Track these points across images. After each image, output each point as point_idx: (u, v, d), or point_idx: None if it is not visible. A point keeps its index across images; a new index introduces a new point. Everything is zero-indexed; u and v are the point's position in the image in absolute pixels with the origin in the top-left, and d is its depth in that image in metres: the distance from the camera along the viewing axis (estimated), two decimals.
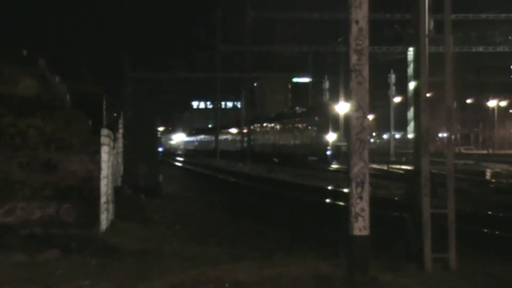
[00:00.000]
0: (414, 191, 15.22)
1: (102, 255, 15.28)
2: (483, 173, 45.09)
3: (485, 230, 20.36)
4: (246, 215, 27.14)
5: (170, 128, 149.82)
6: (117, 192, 23.62)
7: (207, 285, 11.94)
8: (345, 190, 20.91)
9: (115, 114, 28.68)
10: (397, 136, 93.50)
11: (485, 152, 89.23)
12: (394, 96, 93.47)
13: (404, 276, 13.38)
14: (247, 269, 13.18)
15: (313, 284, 12.09)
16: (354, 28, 14.78)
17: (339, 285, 12.13)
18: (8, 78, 17.41)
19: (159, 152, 64.67)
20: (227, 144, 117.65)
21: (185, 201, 33.26)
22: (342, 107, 64.46)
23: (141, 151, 36.75)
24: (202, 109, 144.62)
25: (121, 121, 30.68)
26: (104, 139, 18.88)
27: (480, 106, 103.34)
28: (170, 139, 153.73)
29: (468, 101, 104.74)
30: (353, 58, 14.81)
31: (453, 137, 17.23)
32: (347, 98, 15.31)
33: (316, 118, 73.52)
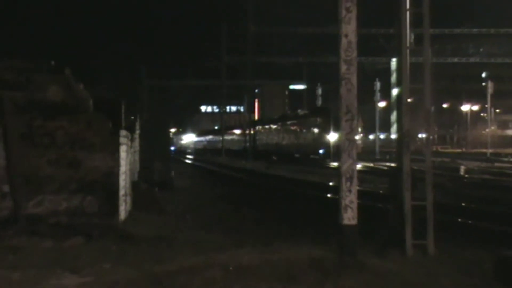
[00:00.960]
0: (396, 185, 15.21)
1: (121, 242, 15.28)
2: (458, 169, 45.07)
3: (460, 220, 20.33)
4: (248, 206, 27.09)
5: (181, 129, 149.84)
6: (134, 186, 23.62)
7: (214, 268, 11.91)
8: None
9: (132, 117, 28.70)
10: (382, 136, 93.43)
11: (459, 150, 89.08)
12: (379, 101, 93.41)
13: (388, 261, 13.36)
14: (249, 254, 13.15)
15: (308, 267, 12.06)
16: (344, 41, 14.75)
17: (331, 268, 12.09)
18: (38, 85, 17.39)
19: (171, 150, 64.60)
20: (231, 143, 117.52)
21: (194, 194, 33.21)
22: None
23: (156, 150, 36.71)
24: (209, 112, 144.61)
25: (138, 123, 30.66)
26: (122, 139, 18.89)
27: (454, 110, 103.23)
28: (181, 139, 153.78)
29: (444, 105, 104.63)
30: (343, 67, 14.77)
31: (431, 137, 17.25)
32: (338, 103, 15.19)
33: (318, 120, 73.48)
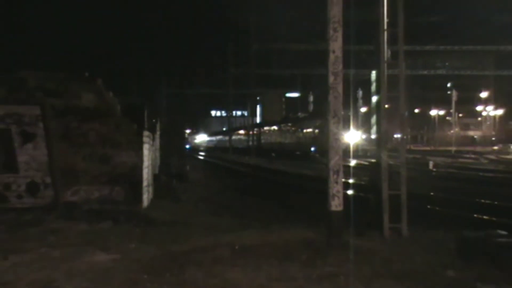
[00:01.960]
0: (376, 177, 15.19)
1: (144, 225, 15.29)
2: (427, 164, 45.02)
3: (428, 207, 20.33)
4: (251, 195, 27.11)
5: (194, 130, 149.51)
6: (155, 178, 23.63)
7: (222, 248, 11.90)
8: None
9: (154, 120, 28.71)
10: (363, 136, 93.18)
11: (428, 148, 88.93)
12: (361, 107, 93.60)
13: (368, 241, 13.34)
14: (252, 236, 13.15)
15: (301, 246, 12.04)
16: (332, 56, 14.72)
17: (320, 247, 12.08)
18: (74, 93, 17.41)
19: (187, 148, 64.53)
20: (237, 142, 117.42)
21: (205, 185, 33.23)
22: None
23: (173, 148, 36.77)
24: (218, 116, 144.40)
25: (158, 125, 30.67)
26: (145, 139, 18.92)
27: (424, 114, 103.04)
28: (195, 139, 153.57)
29: (416, 110, 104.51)
30: (331, 78, 14.74)
31: (404, 137, 17.19)
32: (327, 109, 15.18)
33: (317, 121, 73.11)
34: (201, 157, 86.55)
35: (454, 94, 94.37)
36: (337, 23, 15.06)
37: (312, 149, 70.27)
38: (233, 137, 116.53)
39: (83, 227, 14.68)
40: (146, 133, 19.35)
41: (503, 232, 12.70)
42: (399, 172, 15.37)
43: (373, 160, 17.92)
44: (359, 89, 73.93)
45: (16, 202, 16.91)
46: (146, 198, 18.89)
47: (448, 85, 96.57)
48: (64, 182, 17.07)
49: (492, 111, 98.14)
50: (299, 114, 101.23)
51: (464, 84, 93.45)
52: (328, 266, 10.69)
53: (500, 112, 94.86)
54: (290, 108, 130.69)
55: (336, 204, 14.40)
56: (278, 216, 17.70)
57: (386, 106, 15.63)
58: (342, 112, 15.04)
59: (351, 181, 27.90)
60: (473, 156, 68.45)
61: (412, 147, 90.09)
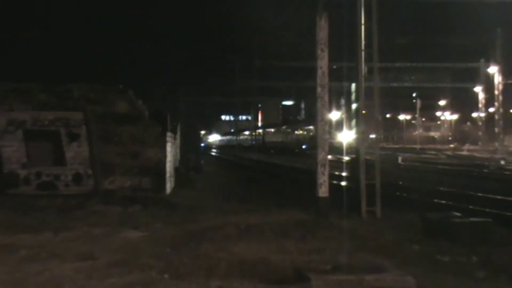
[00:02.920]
0: (355, 170, 15.21)
1: (167, 209, 15.27)
2: (397, 159, 45.00)
3: (398, 193, 20.32)
4: (253, 184, 27.07)
5: (208, 131, 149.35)
6: (176, 170, 23.62)
7: (230, 227, 11.89)
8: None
9: (175, 123, 28.70)
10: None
11: (397, 146, 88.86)
12: (344, 112, 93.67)
13: (349, 221, 13.34)
14: (254, 217, 13.14)
15: (294, 226, 12.04)
16: (319, 72, 14.74)
17: (310, 226, 12.07)
18: (111, 102, 17.43)
19: (202, 146, 64.46)
20: (243, 141, 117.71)
21: (217, 176, 33.19)
22: (334, 116, 63.51)
23: (190, 146, 36.78)
24: (227, 120, 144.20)
25: (178, 127, 30.67)
26: (168, 138, 18.93)
27: (394, 118, 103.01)
28: (208, 138, 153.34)
29: (388, 115, 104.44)
30: (319, 89, 14.76)
31: (378, 137, 17.21)
32: (315, 114, 15.23)
33: (308, 125, 72.94)
34: (214, 153, 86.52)
35: (418, 102, 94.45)
36: (324, 45, 15.06)
37: (304, 146, 70.24)
38: (240, 137, 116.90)
39: (118, 210, 14.69)
40: (168, 133, 19.35)
41: (458, 214, 12.73)
42: (374, 166, 15.42)
43: (353, 156, 17.91)
44: (341, 97, 74.00)
45: (64, 190, 16.94)
46: (168, 186, 18.89)
47: (414, 95, 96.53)
48: (102, 174, 17.09)
49: (448, 116, 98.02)
50: (298, 117, 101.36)
51: (426, 94, 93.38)
52: (317, 241, 10.68)
53: (455, 116, 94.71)
54: (285, 113, 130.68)
55: (323, 191, 14.46)
56: (275, 201, 17.65)
57: (364, 112, 15.64)
58: (329, 117, 15.09)
59: (336, 173, 27.92)
60: (433, 152, 68.44)
61: (385, 145, 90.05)
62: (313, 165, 15.90)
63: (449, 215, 12.53)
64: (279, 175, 33.34)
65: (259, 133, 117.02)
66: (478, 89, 62.15)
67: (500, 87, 56.17)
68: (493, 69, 56.60)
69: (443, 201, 18.18)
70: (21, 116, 17.13)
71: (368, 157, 15.82)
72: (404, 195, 20.05)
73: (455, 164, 43.58)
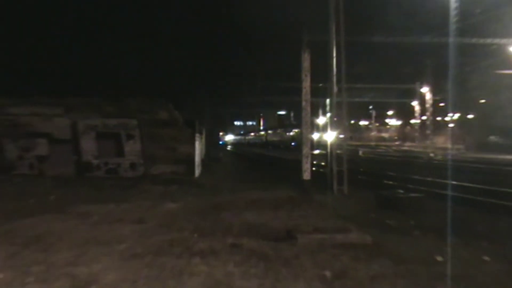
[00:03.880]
0: (329, 160, 15.18)
1: (196, 187, 15.29)
2: (358, 152, 44.99)
3: (359, 177, 20.28)
4: (257, 170, 27.06)
5: (225, 133, 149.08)
6: (202, 161, 23.63)
7: (240, 201, 11.88)
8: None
9: (201, 127, 28.75)
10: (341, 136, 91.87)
11: (358, 143, 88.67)
12: (322, 119, 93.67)
13: (325, 196, 13.34)
14: (257, 194, 13.13)
15: (286, 200, 12.02)
16: (304, 90, 14.73)
17: (297, 200, 12.06)
18: (156, 112, 17.44)
19: (220, 143, 64.45)
20: (251, 140, 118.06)
21: (231, 165, 33.19)
22: (321, 121, 63.08)
23: (212, 143, 36.82)
24: (238, 124, 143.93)
25: (204, 129, 30.71)
26: (196, 138, 18.93)
27: (356, 124, 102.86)
28: (225, 138, 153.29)
29: (352, 121, 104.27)
30: (303, 103, 14.76)
31: (346, 136, 17.14)
32: (302, 121, 15.24)
33: (296, 128, 72.65)
34: (229, 149, 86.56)
35: (373, 112, 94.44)
36: (307, 71, 15.07)
37: (293, 143, 70.09)
38: (247, 137, 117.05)
39: (161, 188, 14.71)
40: (196, 134, 19.36)
41: (401, 191, 12.70)
42: (342, 157, 15.38)
43: (328, 150, 17.83)
44: (319, 109, 74.00)
45: (123, 174, 16.97)
46: (197, 172, 18.90)
47: (370, 107, 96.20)
48: (149, 163, 17.10)
49: (394, 122, 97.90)
50: (293, 122, 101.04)
51: (379, 107, 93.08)
52: (301, 211, 10.67)
53: (399, 122, 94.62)
54: (280, 120, 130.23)
55: (306, 175, 14.47)
56: (272, 182, 17.66)
57: (335, 119, 15.60)
58: (310, 122, 15.07)
59: (321, 163, 27.88)
60: (384, 147, 68.46)
61: (350, 143, 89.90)
62: (299, 157, 15.91)
63: (395, 192, 12.51)
64: (275, 163, 33.35)
65: (261, 134, 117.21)
66: (415, 103, 62.12)
67: (430, 102, 56.74)
68: (425, 89, 56.94)
69: (391, 182, 18.15)
70: (94, 122, 17.17)
71: (338, 151, 15.80)
72: (364, 178, 20.01)
73: (399, 156, 43.63)
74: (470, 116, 61.08)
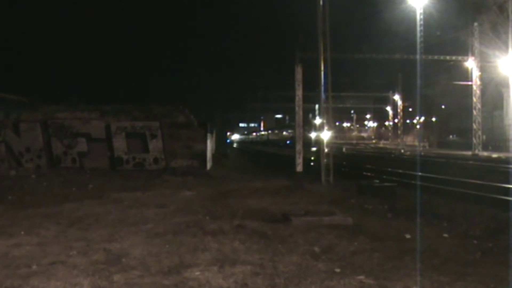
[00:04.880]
0: (318, 155, 15.15)
1: (207, 178, 15.26)
2: (342, 149, 44.88)
3: (342, 169, 20.22)
4: (258, 163, 27.07)
5: (232, 133, 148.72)
6: (213, 156, 23.56)
7: (245, 189, 11.88)
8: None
9: (212, 128, 28.69)
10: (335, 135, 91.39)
11: (342, 141, 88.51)
12: (319, 120, 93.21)
13: (314, 186, 13.31)
14: (259, 183, 13.11)
15: (282, 188, 12.00)
16: (297, 98, 14.71)
17: (291, 188, 12.04)
18: (175, 115, 17.36)
19: (228, 141, 64.31)
20: (254, 138, 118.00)
21: (237, 159, 33.21)
22: (317, 121, 62.96)
23: (221, 141, 36.74)
24: (243, 126, 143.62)
25: (214, 130, 30.63)
26: (208, 137, 18.85)
27: (340, 125, 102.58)
28: (232, 137, 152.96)
29: (337, 123, 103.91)
30: (296, 108, 14.75)
31: (332, 136, 17.09)
32: (295, 123, 15.25)
33: (291, 129, 72.28)
34: (235, 146, 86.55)
35: (354, 116, 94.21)
36: (299, 82, 15.04)
37: (288, 141, 69.92)
38: (250, 136, 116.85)
39: (179, 179, 14.70)
40: (208, 134, 19.29)
41: (377, 181, 12.70)
42: (329, 153, 15.35)
43: (322, 148, 17.73)
44: (310, 113, 73.75)
45: (148, 167, 16.92)
46: (209, 165, 18.84)
47: (352, 111, 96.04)
48: (170, 158, 17.06)
49: (372, 124, 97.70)
50: (292, 123, 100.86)
51: (359, 111, 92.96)
52: (295, 197, 10.67)
53: (375, 124, 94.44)
54: (277, 122, 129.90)
55: (299, 168, 14.43)
56: (272, 174, 17.65)
57: (324, 121, 15.55)
58: (302, 123, 15.02)
59: (307, 157, 27.81)
60: (363, 145, 68.30)
61: (335, 141, 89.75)
62: (293, 153, 15.88)
63: (372, 182, 12.50)
64: (273, 158, 33.39)
65: (262, 133, 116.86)
66: (388, 108, 62.11)
67: (401, 107, 56.73)
68: (397, 97, 56.99)
69: (369, 173, 18.13)
70: (124, 124, 17.13)
71: (326, 149, 15.77)
72: (347, 170, 19.99)
73: (375, 152, 43.52)
74: (433, 119, 60.92)
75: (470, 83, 32.99)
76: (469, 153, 32.06)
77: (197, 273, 4.76)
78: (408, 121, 62.59)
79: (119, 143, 17.05)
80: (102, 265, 5.05)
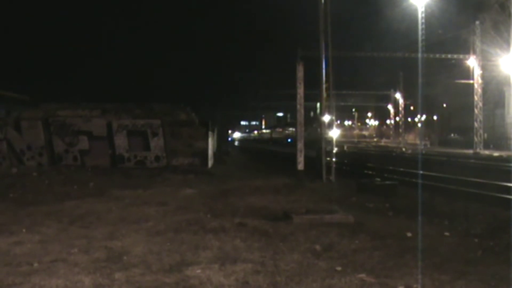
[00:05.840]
0: (319, 154, 15.14)
1: (208, 176, 15.25)
2: (344, 147, 44.82)
3: (344, 168, 20.20)
4: (259, 161, 27.04)
5: (233, 131, 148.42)
6: (214, 154, 23.54)
7: (246, 187, 11.88)
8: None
9: (213, 126, 28.63)
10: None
11: (344, 140, 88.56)
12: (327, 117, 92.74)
13: (315, 184, 13.31)
14: (260, 181, 13.11)
15: (283, 186, 12.02)
16: (298, 96, 14.69)
17: (293, 187, 12.06)
18: (176, 114, 17.39)
19: (229, 140, 64.22)
20: (255, 136, 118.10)
21: (238, 157, 33.18)
22: (326, 118, 62.44)
23: (222, 139, 36.64)
24: (244, 124, 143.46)
25: (216, 128, 30.60)
26: (209, 135, 18.83)
27: (342, 123, 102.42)
28: (233, 135, 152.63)
29: (338, 122, 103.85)
30: (298, 106, 14.73)
31: (333, 133, 17.07)
32: (296, 121, 15.27)
33: (291, 127, 72.27)
34: (236, 144, 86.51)
35: (356, 114, 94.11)
36: (301, 80, 15.03)
37: (289, 140, 69.81)
38: (251, 134, 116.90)
39: (180, 177, 14.69)
40: (209, 132, 19.28)
41: (378, 179, 12.69)
42: (331, 151, 15.34)
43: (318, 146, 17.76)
44: (311, 111, 73.62)
45: (149, 165, 16.94)
46: (210, 163, 18.82)
47: (353, 110, 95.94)
48: (171, 156, 17.08)
49: (373, 122, 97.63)
50: (293, 121, 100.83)
51: (360, 109, 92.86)
52: (296, 195, 10.67)
53: (377, 122, 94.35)
54: (278, 120, 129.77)
55: (300, 166, 14.42)
56: (273, 172, 17.61)
57: (324, 120, 15.54)
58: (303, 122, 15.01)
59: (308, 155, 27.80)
60: (364, 143, 68.26)
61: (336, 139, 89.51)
62: (294, 151, 15.87)
63: (373, 180, 12.50)
64: (274, 156, 33.35)
65: (263, 131, 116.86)
66: (390, 106, 62.04)
67: (402, 105, 56.58)
68: (398, 95, 56.90)
69: (370, 172, 18.11)
70: (125, 122, 17.15)
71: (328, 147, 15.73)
72: (348, 168, 19.96)
73: (376, 150, 43.48)
74: (434, 117, 60.86)
75: (471, 81, 32.94)
76: (471, 151, 32.01)
77: (198, 271, 4.76)
78: (409, 119, 62.50)
79: (121, 141, 17.06)
80: (103, 263, 5.05)
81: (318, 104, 16.67)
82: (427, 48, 30.13)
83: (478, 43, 31.42)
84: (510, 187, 11.35)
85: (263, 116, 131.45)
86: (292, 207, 8.47)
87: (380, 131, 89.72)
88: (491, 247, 5.89)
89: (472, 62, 32.01)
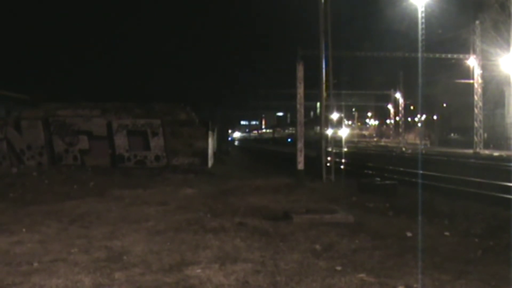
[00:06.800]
0: (319, 154, 15.13)
1: (209, 176, 15.25)
2: (343, 147, 44.67)
3: (344, 167, 20.22)
4: (259, 161, 27.04)
5: (233, 130, 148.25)
6: (214, 153, 23.53)
7: (246, 187, 11.87)
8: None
9: (214, 126, 28.58)
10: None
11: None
12: (336, 115, 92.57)
13: (315, 183, 13.29)
14: (260, 181, 13.08)
15: (283, 186, 12.00)
16: (298, 96, 14.66)
17: (293, 186, 12.04)
18: (176, 113, 17.37)
19: (229, 139, 64.21)
20: (255, 136, 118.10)
21: (238, 156, 33.18)
22: (334, 116, 62.21)
23: (222, 139, 36.63)
24: (244, 124, 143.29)
25: (216, 128, 30.58)
26: (209, 135, 18.82)
27: (341, 123, 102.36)
28: (233, 135, 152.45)
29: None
30: (298, 106, 14.70)
31: (334, 134, 17.06)
32: (297, 121, 15.25)
33: (291, 127, 72.23)
34: (236, 144, 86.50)
35: (356, 114, 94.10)
36: (301, 80, 15.00)
37: (289, 140, 69.79)
38: (251, 134, 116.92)
39: (180, 177, 14.69)
40: (209, 132, 19.26)
41: (378, 179, 12.68)
42: (330, 151, 15.34)
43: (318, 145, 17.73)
44: (311, 111, 73.30)
45: (149, 164, 16.93)
46: (210, 163, 18.80)
47: (353, 109, 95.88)
48: (171, 155, 17.07)
49: (373, 122, 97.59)
50: (293, 121, 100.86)
51: (360, 109, 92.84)
52: (296, 195, 10.66)
53: (377, 122, 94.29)
54: (279, 121, 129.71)
55: (300, 166, 14.40)
56: (273, 171, 17.62)
57: (324, 119, 15.53)
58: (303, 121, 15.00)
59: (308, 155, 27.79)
60: (364, 143, 68.26)
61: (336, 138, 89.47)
62: (294, 151, 15.87)
63: (373, 180, 12.49)
64: (274, 156, 33.33)
65: (263, 131, 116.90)
66: (390, 106, 62.03)
67: (402, 105, 56.66)
68: (398, 95, 56.94)
69: (370, 171, 18.12)
70: (125, 122, 17.14)
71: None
72: (348, 168, 19.96)
73: (377, 150, 43.50)
74: (434, 117, 60.84)
75: (471, 81, 32.95)
76: (471, 151, 32.01)
77: (198, 270, 4.76)
78: (409, 119, 62.45)
79: (121, 141, 17.06)
80: (103, 263, 5.04)
81: (318, 104, 16.64)
82: (427, 47, 30.16)
83: (478, 43, 31.44)
84: (510, 186, 11.35)
85: (263, 115, 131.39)
86: (292, 207, 8.46)
87: (380, 130, 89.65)
88: (491, 247, 5.89)
89: (472, 62, 32.03)
